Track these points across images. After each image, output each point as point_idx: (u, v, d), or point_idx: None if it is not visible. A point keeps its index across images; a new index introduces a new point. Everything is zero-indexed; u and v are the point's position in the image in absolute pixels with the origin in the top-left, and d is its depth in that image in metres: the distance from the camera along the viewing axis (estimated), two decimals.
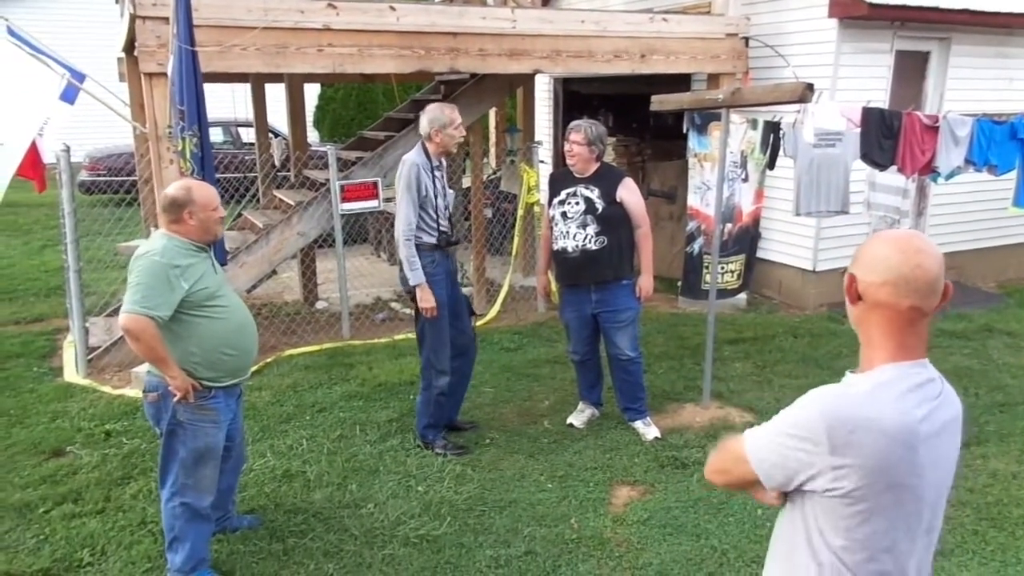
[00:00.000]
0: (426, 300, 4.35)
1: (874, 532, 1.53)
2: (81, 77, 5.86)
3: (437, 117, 4.33)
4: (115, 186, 12.59)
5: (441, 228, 4.41)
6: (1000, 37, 7.68)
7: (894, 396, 1.53)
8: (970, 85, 7.61)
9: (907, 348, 1.57)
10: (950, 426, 1.61)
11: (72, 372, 5.81)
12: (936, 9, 6.90)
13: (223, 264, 5.13)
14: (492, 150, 11.35)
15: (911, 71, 7.53)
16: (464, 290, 5.00)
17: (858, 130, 5.56)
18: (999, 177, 6.44)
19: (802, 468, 1.54)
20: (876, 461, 1.49)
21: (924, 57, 7.59)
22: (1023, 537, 3.69)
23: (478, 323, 4.94)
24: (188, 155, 4.79)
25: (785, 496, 1.65)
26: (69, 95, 5.79)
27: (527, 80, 8.61)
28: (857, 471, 1.49)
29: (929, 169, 5.91)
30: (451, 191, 4.58)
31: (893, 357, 1.56)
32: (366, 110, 17.29)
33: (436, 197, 4.37)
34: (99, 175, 13.44)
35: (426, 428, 4.63)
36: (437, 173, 4.41)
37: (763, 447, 1.61)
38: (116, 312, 6.75)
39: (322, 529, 3.78)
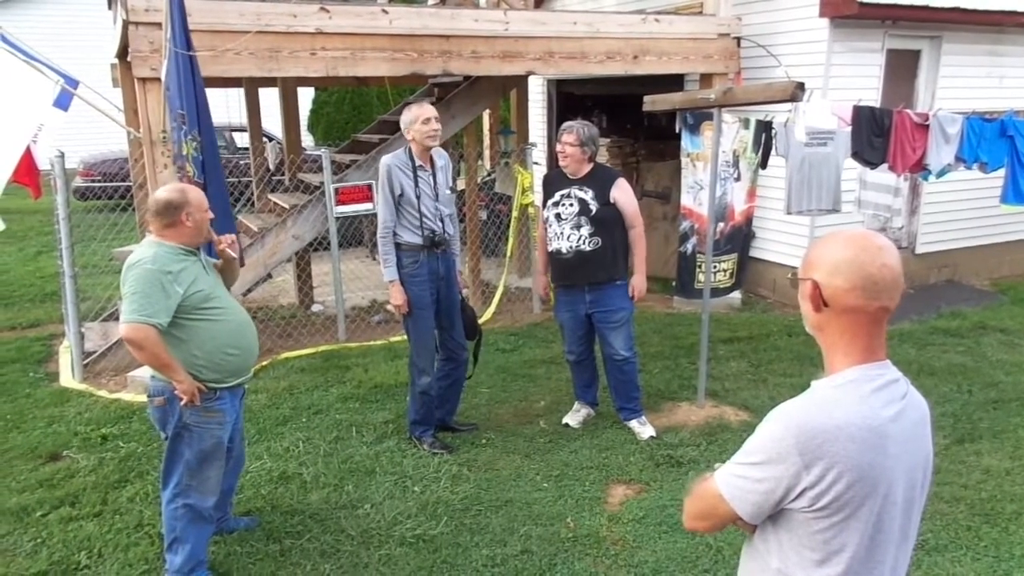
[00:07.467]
0: (395, 297, 4.45)
1: (848, 542, 1.48)
2: (75, 83, 5.86)
3: (406, 116, 4.39)
4: (110, 192, 12.62)
5: (426, 228, 4.41)
6: (991, 35, 7.73)
7: (859, 399, 1.49)
8: (961, 83, 7.65)
9: (871, 350, 1.53)
10: (919, 427, 1.57)
11: (68, 377, 5.81)
12: (927, 8, 6.94)
13: (242, 265, 5.11)
14: (486, 152, 11.37)
15: (902, 70, 7.58)
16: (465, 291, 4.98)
17: (849, 128, 5.58)
18: (989, 175, 6.48)
19: (780, 491, 1.48)
20: (850, 468, 1.44)
21: (915, 56, 7.63)
22: (1016, 532, 3.72)
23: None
24: (190, 159, 4.78)
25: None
26: (63, 101, 5.79)
27: (520, 82, 8.63)
28: (834, 482, 1.44)
29: (920, 167, 5.94)
30: (448, 193, 4.53)
31: (858, 360, 1.52)
32: (360, 113, 17.31)
33: (419, 197, 4.37)
34: (94, 181, 13.46)
35: (413, 424, 4.69)
36: (422, 174, 4.40)
37: (736, 483, 1.54)
38: (111, 317, 6.77)
39: (319, 530, 3.80)
